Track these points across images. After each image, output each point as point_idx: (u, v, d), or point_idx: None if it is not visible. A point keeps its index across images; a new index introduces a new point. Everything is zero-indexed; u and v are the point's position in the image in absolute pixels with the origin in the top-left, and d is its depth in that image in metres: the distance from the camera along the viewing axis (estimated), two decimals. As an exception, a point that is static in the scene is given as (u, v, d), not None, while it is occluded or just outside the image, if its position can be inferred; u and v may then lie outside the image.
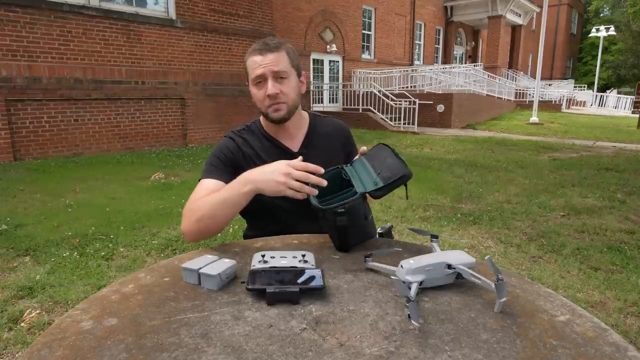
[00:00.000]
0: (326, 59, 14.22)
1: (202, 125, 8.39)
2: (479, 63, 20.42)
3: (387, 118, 11.96)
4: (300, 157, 1.00)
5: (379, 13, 15.99)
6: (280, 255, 0.87)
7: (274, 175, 0.95)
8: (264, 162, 1.17)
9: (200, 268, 0.80)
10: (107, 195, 4.38)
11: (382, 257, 0.92)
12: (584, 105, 23.73)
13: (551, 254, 2.99)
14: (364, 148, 1.12)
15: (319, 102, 13.87)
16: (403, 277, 0.74)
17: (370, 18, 15.82)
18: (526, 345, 0.61)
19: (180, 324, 0.67)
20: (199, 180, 1.15)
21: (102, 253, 2.84)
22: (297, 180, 0.93)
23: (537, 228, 3.53)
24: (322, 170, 0.97)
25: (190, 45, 8.13)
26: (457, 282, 0.80)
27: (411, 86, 14.27)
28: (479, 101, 14.48)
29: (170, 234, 3.18)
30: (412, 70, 15.19)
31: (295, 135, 1.26)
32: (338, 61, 14.66)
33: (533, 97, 15.10)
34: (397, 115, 11.78)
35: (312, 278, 0.78)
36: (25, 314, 2.03)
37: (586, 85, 27.96)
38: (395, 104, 11.67)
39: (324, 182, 0.95)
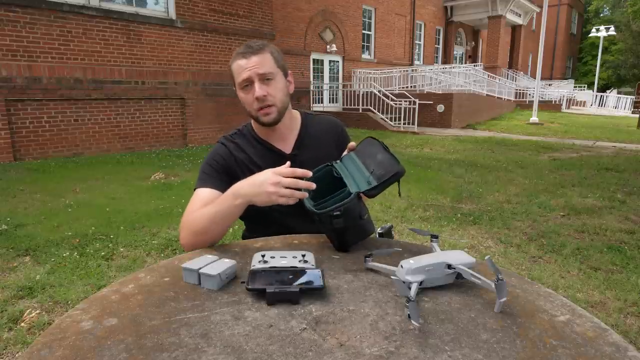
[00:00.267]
0: (326, 59, 14.21)
1: (202, 125, 8.39)
2: (479, 63, 20.42)
3: (387, 118, 11.96)
4: (288, 163, 1.00)
5: (379, 13, 15.99)
6: (280, 255, 0.87)
7: (264, 187, 0.95)
8: (257, 166, 1.18)
9: (200, 268, 0.80)
10: (107, 195, 4.38)
11: (382, 257, 0.92)
12: (584, 105, 23.73)
13: (551, 254, 2.99)
14: (352, 143, 1.10)
15: (319, 102, 13.87)
16: (403, 277, 0.74)
17: (370, 18, 15.82)
18: (526, 345, 0.61)
19: (180, 324, 0.67)
20: (194, 190, 1.15)
21: (102, 253, 2.84)
22: (287, 187, 0.94)
23: (537, 228, 3.53)
24: (310, 174, 0.97)
25: (190, 45, 8.13)
26: (457, 282, 0.80)
27: (411, 86, 14.27)
28: (479, 101, 14.48)
29: (170, 234, 3.18)
30: (412, 70, 15.19)
31: (287, 136, 1.25)
32: (338, 61, 14.65)
33: (533, 97, 15.10)
34: (397, 115, 11.78)
35: (312, 278, 0.78)
36: (25, 314, 2.03)
37: (586, 85, 27.95)
38: (395, 104, 11.67)
39: (313, 185, 0.96)
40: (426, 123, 12.52)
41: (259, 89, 1.12)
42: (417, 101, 11.46)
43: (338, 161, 1.08)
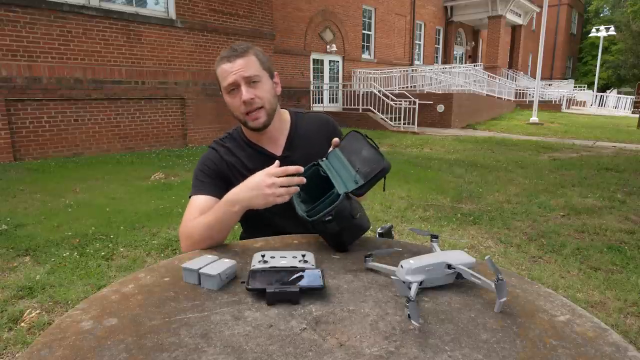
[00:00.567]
0: (326, 59, 14.22)
1: (202, 125, 8.39)
2: (479, 63, 20.42)
3: (387, 118, 11.96)
4: (277, 162, 1.00)
5: (379, 13, 15.99)
6: (280, 255, 0.87)
7: (259, 190, 0.95)
8: (249, 169, 1.18)
9: (200, 268, 0.80)
10: (107, 195, 4.38)
11: (382, 257, 0.92)
12: (584, 105, 23.73)
13: (551, 254, 2.99)
14: (336, 139, 1.09)
15: (319, 102, 13.87)
16: (403, 277, 0.74)
17: (370, 18, 15.82)
18: (526, 345, 0.61)
19: (180, 324, 0.67)
20: (189, 197, 1.15)
21: (102, 253, 2.84)
22: (282, 186, 0.95)
23: (537, 228, 3.53)
24: (301, 169, 0.98)
25: (190, 45, 8.13)
26: (457, 282, 0.80)
27: (411, 86, 14.26)
28: (479, 101, 14.48)
29: (170, 234, 3.18)
30: (412, 70, 15.19)
31: (277, 138, 1.24)
32: (338, 61, 14.66)
33: (533, 97, 15.10)
34: (397, 115, 11.78)
35: (312, 278, 0.78)
36: (25, 314, 2.03)
37: (586, 85, 27.95)
38: (395, 104, 11.67)
39: (304, 180, 0.97)
40: (426, 123, 12.52)
41: (245, 92, 1.11)
42: (417, 101, 11.46)
43: (324, 159, 1.07)
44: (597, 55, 26.91)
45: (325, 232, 0.96)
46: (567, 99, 21.06)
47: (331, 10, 13.84)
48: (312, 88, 13.57)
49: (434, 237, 0.93)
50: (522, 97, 19.35)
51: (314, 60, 13.66)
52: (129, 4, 7.32)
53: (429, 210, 4.02)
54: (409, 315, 0.65)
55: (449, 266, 0.78)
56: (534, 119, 13.56)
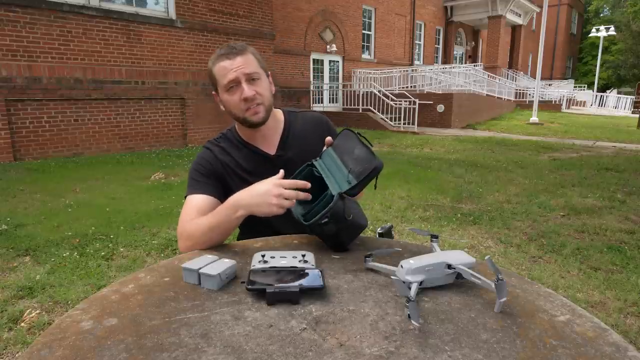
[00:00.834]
0: (326, 59, 14.22)
1: (202, 125, 8.40)
2: (479, 63, 20.42)
3: (387, 118, 11.96)
4: (281, 172, 1.00)
5: (379, 13, 15.99)
6: (280, 255, 0.87)
7: (266, 198, 0.95)
8: (243, 168, 1.19)
9: (200, 268, 0.80)
10: (107, 195, 4.38)
11: (382, 257, 0.92)
12: (584, 105, 23.73)
13: (551, 254, 2.99)
14: (329, 138, 1.08)
15: (319, 102, 13.87)
16: (403, 277, 0.74)
17: (370, 18, 15.83)
18: (526, 345, 0.61)
19: (180, 324, 0.67)
20: (185, 197, 1.15)
21: (102, 253, 2.84)
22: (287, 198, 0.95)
23: (537, 228, 3.53)
24: (309, 185, 0.97)
25: (190, 45, 8.13)
26: (457, 282, 0.80)
27: (411, 86, 14.27)
28: (479, 101, 14.48)
29: (170, 234, 3.18)
30: (412, 70, 15.19)
31: (270, 137, 1.24)
32: (338, 61, 14.66)
33: (533, 97, 15.11)
34: (397, 115, 11.78)
35: (312, 278, 0.78)
36: (25, 314, 2.03)
37: (586, 85, 27.95)
38: (395, 104, 11.67)
39: (309, 196, 0.96)
40: (426, 123, 12.52)
41: (248, 89, 1.11)
42: (417, 101, 11.46)
43: (318, 159, 1.07)
44: (597, 55, 26.91)
45: (322, 234, 0.96)
46: (567, 99, 21.06)
47: (331, 10, 13.84)
48: (312, 88, 13.57)
49: (434, 237, 0.93)
50: (522, 97, 19.35)
51: (314, 60, 13.66)
52: (129, 4, 7.32)
53: (429, 210, 4.02)
54: (409, 315, 0.65)
55: (449, 266, 0.78)
56: (534, 119, 13.56)
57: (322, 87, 14.09)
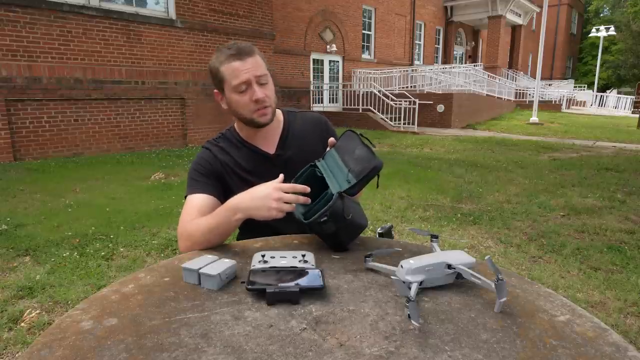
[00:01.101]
0: (326, 59, 14.22)
1: (202, 125, 8.40)
2: (479, 63, 20.42)
3: (387, 118, 11.96)
4: (281, 176, 1.00)
5: (379, 13, 15.99)
6: (280, 255, 0.87)
7: (266, 202, 0.95)
8: (242, 168, 1.19)
9: (200, 268, 0.80)
10: (107, 195, 4.38)
11: (382, 257, 0.92)
12: (584, 105, 23.73)
13: (551, 254, 2.99)
14: (332, 139, 1.10)
15: (319, 102, 13.87)
16: (403, 277, 0.74)
17: (370, 18, 15.82)
18: (526, 345, 0.61)
19: (180, 324, 0.67)
20: (185, 197, 1.15)
21: (102, 253, 2.84)
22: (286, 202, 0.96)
23: (537, 228, 3.53)
24: (308, 189, 0.97)
25: (190, 45, 8.13)
26: (457, 282, 0.80)
27: (411, 86, 14.27)
28: (479, 101, 14.48)
29: (170, 234, 3.18)
30: (412, 70, 15.19)
31: (270, 137, 1.25)
32: (338, 61, 14.66)
33: (533, 97, 15.10)
34: (397, 115, 11.78)
35: (312, 278, 0.78)
36: (25, 314, 2.03)
37: (586, 85, 27.95)
38: (395, 104, 11.67)
39: (309, 200, 0.97)
40: (426, 123, 12.52)
41: (259, 91, 1.12)
42: (417, 101, 11.46)
43: (321, 159, 1.08)
44: (597, 55, 26.91)
45: (322, 233, 0.96)
46: (567, 99, 21.06)
47: (331, 10, 13.84)
48: (312, 88, 13.57)
49: (434, 237, 0.93)
50: (522, 97, 19.35)
51: (314, 60, 13.66)
52: (129, 4, 7.32)
53: (429, 210, 4.02)
54: (409, 315, 0.65)
55: (449, 266, 0.78)
56: (534, 119, 13.56)
57: (322, 87, 14.09)
